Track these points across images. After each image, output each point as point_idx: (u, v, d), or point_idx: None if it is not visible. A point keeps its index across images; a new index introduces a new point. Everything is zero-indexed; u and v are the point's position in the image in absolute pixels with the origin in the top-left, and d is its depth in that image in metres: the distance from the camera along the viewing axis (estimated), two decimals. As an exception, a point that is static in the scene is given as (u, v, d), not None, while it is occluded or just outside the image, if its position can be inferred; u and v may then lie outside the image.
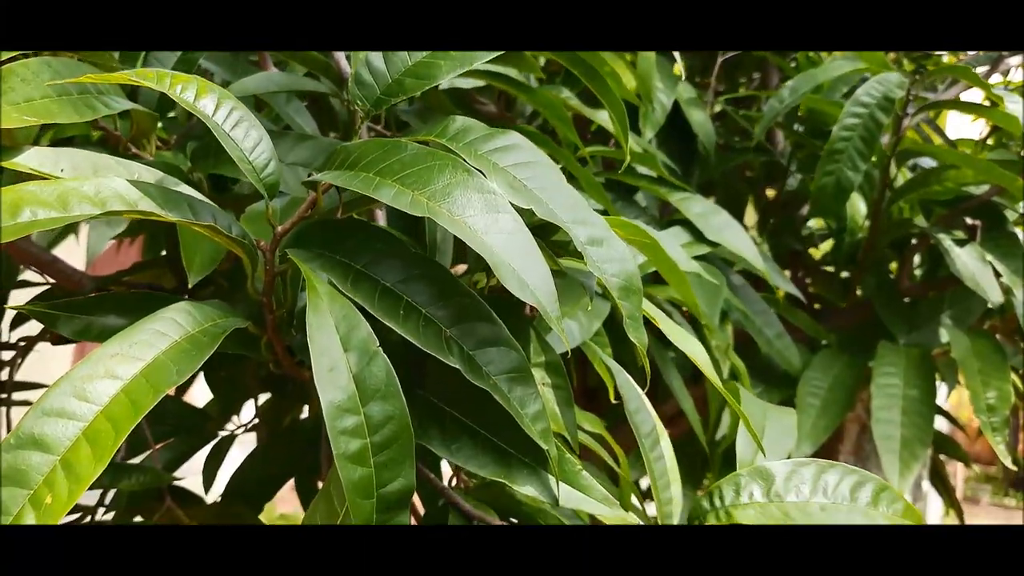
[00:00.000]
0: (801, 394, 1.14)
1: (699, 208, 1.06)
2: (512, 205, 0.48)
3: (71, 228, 1.10)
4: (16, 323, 0.98)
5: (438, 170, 0.48)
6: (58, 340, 0.86)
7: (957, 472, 4.99)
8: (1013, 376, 1.11)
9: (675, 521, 0.61)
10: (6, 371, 0.92)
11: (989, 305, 1.20)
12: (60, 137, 0.85)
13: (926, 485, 1.60)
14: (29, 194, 0.46)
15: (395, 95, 0.57)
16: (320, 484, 0.64)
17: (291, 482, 1.00)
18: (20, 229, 0.45)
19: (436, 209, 0.46)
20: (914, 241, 1.33)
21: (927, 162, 1.35)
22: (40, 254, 0.84)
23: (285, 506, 3.03)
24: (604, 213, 0.58)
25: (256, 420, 1.10)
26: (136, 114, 0.69)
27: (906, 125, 1.18)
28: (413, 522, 0.64)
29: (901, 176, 1.32)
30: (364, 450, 0.45)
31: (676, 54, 1.15)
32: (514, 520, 0.60)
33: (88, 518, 0.80)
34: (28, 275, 1.00)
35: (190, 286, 0.62)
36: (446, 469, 0.68)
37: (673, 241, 0.92)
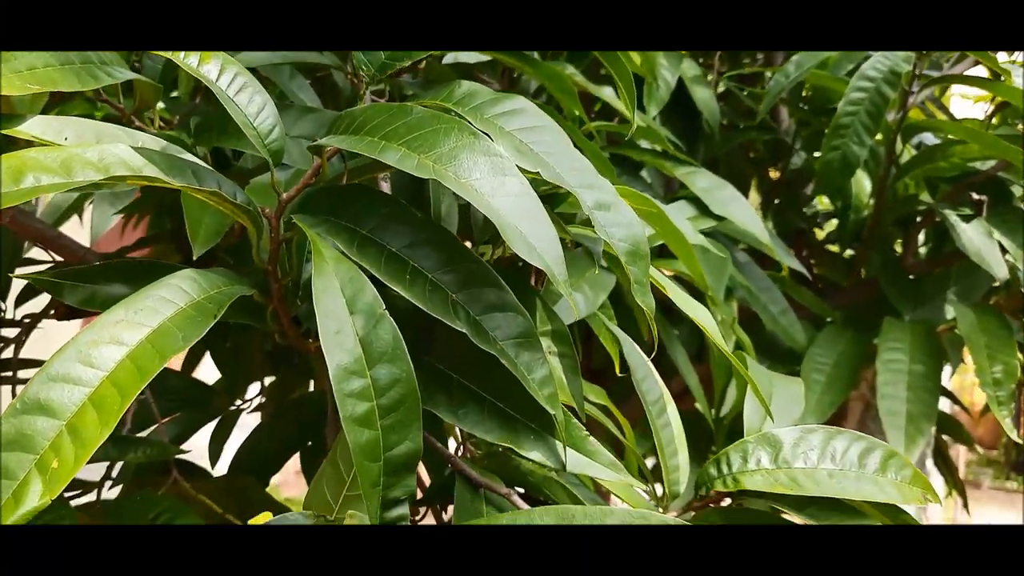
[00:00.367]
0: (806, 370, 1.14)
1: (704, 182, 1.05)
2: (519, 169, 0.47)
3: (74, 207, 1.10)
4: (20, 300, 0.98)
5: (444, 133, 0.47)
6: (63, 316, 0.86)
7: (959, 456, 4.99)
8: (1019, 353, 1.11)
9: (682, 489, 0.61)
10: (11, 349, 0.92)
11: (995, 282, 1.19)
12: (64, 115, 0.85)
13: (929, 464, 1.60)
14: (32, 160, 0.46)
15: (400, 60, 0.57)
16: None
17: (297, 466, 1.00)
18: (23, 194, 0.45)
19: (442, 172, 0.46)
20: (919, 218, 1.33)
21: (931, 140, 1.34)
22: (45, 230, 0.84)
23: (290, 490, 3.05)
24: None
25: (262, 399, 1.10)
26: (139, 85, 0.69)
27: (912, 101, 1.17)
28: (419, 495, 0.64)
29: (907, 153, 1.31)
30: (371, 413, 0.45)
31: None
32: (520, 489, 0.60)
33: (95, 492, 0.80)
34: (33, 253, 1.00)
35: (195, 257, 0.62)
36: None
37: (679, 214, 0.92)
